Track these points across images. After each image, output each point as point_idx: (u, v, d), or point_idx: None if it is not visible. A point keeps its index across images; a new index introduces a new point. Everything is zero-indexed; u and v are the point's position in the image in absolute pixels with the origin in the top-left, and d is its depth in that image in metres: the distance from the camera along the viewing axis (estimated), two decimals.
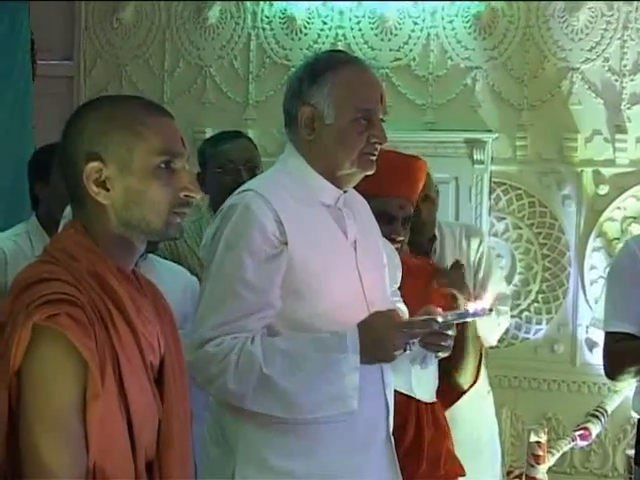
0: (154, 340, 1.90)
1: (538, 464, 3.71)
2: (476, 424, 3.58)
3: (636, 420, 3.18)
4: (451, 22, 5.31)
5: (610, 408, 4.38)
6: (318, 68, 2.47)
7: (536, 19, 5.18)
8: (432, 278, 3.11)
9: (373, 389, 2.44)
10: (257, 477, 2.40)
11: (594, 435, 4.21)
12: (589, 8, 5.09)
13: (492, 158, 5.24)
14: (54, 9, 5.83)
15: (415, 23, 5.37)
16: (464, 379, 3.12)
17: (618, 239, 4.99)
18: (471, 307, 2.46)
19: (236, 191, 2.49)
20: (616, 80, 5.07)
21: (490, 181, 5.24)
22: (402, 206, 3.02)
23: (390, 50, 5.41)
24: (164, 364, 1.93)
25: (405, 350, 2.39)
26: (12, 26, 5.24)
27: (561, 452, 4.05)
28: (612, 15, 5.07)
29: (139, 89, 5.76)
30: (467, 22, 5.28)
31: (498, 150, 5.24)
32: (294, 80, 2.51)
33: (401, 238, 3.02)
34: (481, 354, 3.13)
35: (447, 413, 3.16)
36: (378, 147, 2.47)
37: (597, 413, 4.28)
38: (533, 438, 3.70)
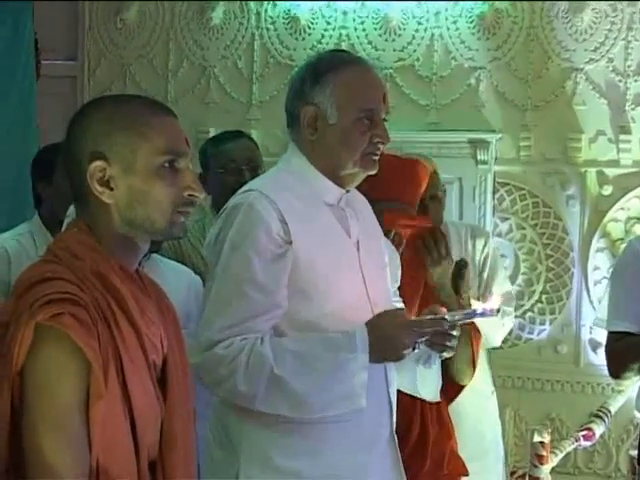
0: (157, 340, 1.90)
1: (541, 464, 3.70)
2: (480, 424, 3.58)
3: (639, 420, 3.18)
4: (455, 22, 5.31)
5: (614, 409, 4.37)
6: (321, 68, 2.47)
7: (540, 19, 5.17)
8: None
9: (377, 388, 2.44)
10: (261, 477, 2.39)
11: (597, 435, 4.20)
12: (593, 9, 5.09)
13: (496, 158, 5.24)
14: (58, 9, 5.83)
15: (419, 23, 5.37)
16: (460, 374, 3.11)
17: (622, 240, 4.99)
18: (479, 307, 2.45)
19: (239, 191, 2.48)
20: (620, 81, 5.06)
21: (494, 181, 5.24)
22: (404, 210, 3.01)
23: (394, 50, 5.41)
24: (167, 364, 1.93)
25: (414, 349, 2.39)
26: (16, 26, 5.26)
27: (564, 452, 4.04)
28: (616, 16, 5.07)
29: (143, 89, 5.76)
30: (471, 22, 5.28)
31: (502, 150, 5.24)
32: (297, 80, 2.51)
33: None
34: (473, 347, 3.11)
35: (451, 413, 3.15)
36: (381, 147, 2.47)
37: (600, 413, 4.27)
38: (536, 438, 3.69)
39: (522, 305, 5.13)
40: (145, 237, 1.91)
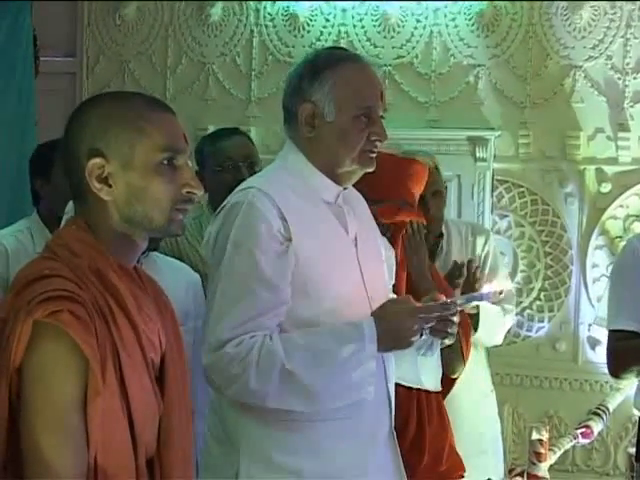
0: (155, 337, 1.90)
1: (540, 462, 3.69)
2: (479, 422, 3.58)
3: (637, 418, 3.18)
4: (454, 20, 5.30)
5: (612, 406, 4.36)
6: (318, 65, 2.47)
7: (539, 17, 5.17)
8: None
9: (376, 385, 2.44)
10: (262, 475, 2.39)
11: (596, 433, 4.19)
12: (592, 6, 5.08)
13: (495, 156, 5.23)
14: (57, 6, 5.82)
15: (418, 21, 5.36)
16: (450, 367, 3.12)
17: (620, 237, 4.98)
18: (484, 290, 2.46)
19: (237, 188, 2.48)
20: (619, 78, 5.06)
21: (492, 179, 5.23)
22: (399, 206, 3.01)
23: (393, 48, 5.40)
24: (165, 361, 1.92)
25: (421, 335, 2.40)
26: (15, 23, 5.26)
27: (563, 450, 4.03)
28: (615, 13, 5.06)
29: (142, 86, 5.76)
30: (470, 20, 5.27)
31: (501, 148, 5.24)
32: (294, 77, 2.51)
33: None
34: (461, 339, 3.11)
35: (450, 411, 3.15)
36: (378, 144, 2.47)
37: (599, 411, 4.26)
38: (535, 436, 3.69)
39: (520, 302, 5.13)
40: (143, 234, 1.90)
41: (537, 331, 5.20)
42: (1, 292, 3.02)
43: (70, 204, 2.04)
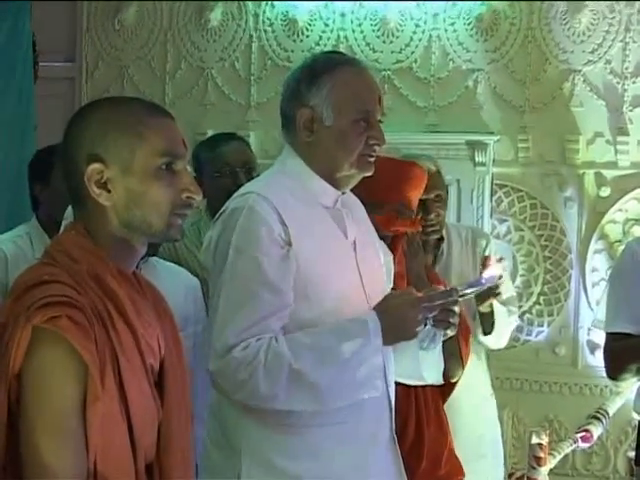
0: (154, 342, 1.90)
1: (539, 466, 3.69)
2: (479, 426, 3.57)
3: (637, 422, 3.18)
4: (453, 24, 5.31)
5: (611, 410, 4.36)
6: (316, 70, 2.47)
7: (538, 21, 5.18)
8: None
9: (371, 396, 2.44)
10: (263, 478, 2.39)
11: (595, 437, 4.19)
12: (591, 10, 5.09)
13: (494, 160, 5.24)
14: (56, 11, 5.83)
15: (417, 25, 5.37)
16: (449, 370, 3.11)
17: (620, 241, 4.99)
18: (484, 275, 2.46)
19: (236, 194, 2.48)
20: (618, 82, 5.07)
21: (492, 183, 5.24)
22: (399, 212, 3.01)
23: (392, 52, 5.41)
24: (164, 366, 1.92)
25: (425, 325, 2.40)
26: (14, 28, 5.25)
27: (562, 454, 4.03)
28: (614, 17, 5.07)
29: (141, 91, 5.77)
30: (469, 24, 5.28)
31: (500, 152, 5.24)
32: (292, 82, 2.51)
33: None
34: (459, 342, 3.11)
35: (450, 415, 3.15)
36: (377, 148, 2.47)
37: (598, 415, 4.26)
38: (534, 440, 3.69)
39: (520, 307, 5.12)
40: (142, 239, 1.90)
41: (537, 335, 5.20)
42: (0, 297, 3.02)
43: (69, 209, 2.03)
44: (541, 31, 5.17)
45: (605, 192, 5.08)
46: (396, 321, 2.36)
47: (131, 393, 1.79)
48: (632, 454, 3.40)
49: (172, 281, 2.99)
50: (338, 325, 2.36)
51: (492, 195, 5.24)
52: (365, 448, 2.44)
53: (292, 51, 5.54)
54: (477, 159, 5.20)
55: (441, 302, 2.39)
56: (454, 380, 3.18)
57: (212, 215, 2.99)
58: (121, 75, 5.90)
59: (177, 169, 1.88)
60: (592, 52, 5.10)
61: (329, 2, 5.47)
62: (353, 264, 2.49)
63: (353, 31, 5.47)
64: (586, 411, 4.48)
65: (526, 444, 3.94)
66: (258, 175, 2.93)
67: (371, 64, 5.11)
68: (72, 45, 5.99)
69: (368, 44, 5.44)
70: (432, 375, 2.85)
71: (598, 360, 4.86)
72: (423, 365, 2.74)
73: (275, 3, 5.58)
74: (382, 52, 5.42)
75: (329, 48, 5.36)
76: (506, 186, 5.25)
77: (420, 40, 5.37)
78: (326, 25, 5.51)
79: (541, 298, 5.20)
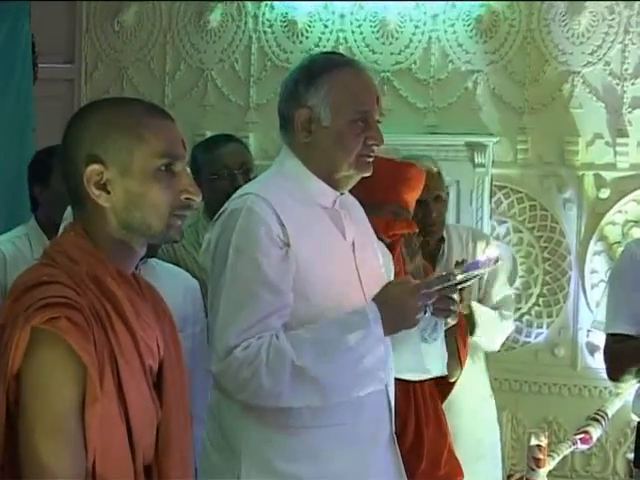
0: (153, 344, 1.90)
1: (538, 468, 3.68)
2: (478, 427, 3.58)
3: (636, 424, 3.18)
4: (452, 25, 5.31)
5: (611, 412, 4.36)
6: (314, 70, 2.47)
7: (537, 23, 5.18)
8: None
9: (375, 389, 2.44)
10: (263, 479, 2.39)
11: (595, 439, 4.19)
12: (590, 12, 5.09)
13: (493, 161, 5.23)
14: (55, 12, 5.83)
15: (416, 27, 5.37)
16: (447, 369, 3.12)
17: (619, 243, 4.98)
18: (480, 258, 2.46)
19: (234, 195, 2.48)
20: (617, 84, 5.06)
21: (491, 184, 5.23)
22: (397, 213, 3.01)
23: (391, 54, 5.41)
24: (163, 367, 1.92)
25: (425, 313, 2.40)
26: (13, 29, 5.25)
27: (562, 456, 4.02)
28: (613, 19, 5.07)
29: (140, 92, 5.76)
30: (468, 25, 5.28)
31: (499, 153, 5.24)
32: (290, 83, 2.52)
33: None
34: (457, 340, 3.11)
35: (450, 416, 3.15)
36: (375, 149, 2.48)
37: (598, 417, 4.26)
38: (534, 442, 3.68)
39: (519, 308, 5.13)
40: (142, 240, 1.90)
41: (536, 337, 5.19)
42: None
43: (68, 210, 2.03)
44: (540, 32, 5.17)
45: (604, 194, 5.07)
46: (396, 310, 2.36)
47: (130, 394, 1.79)
48: (631, 456, 3.39)
49: (171, 282, 2.99)
50: (338, 319, 2.36)
51: (491, 196, 5.24)
52: (365, 449, 2.44)
53: (291, 52, 5.53)
54: (476, 160, 5.20)
55: (439, 287, 2.39)
56: (453, 380, 3.19)
57: (210, 217, 2.99)
58: (120, 76, 5.90)
59: (176, 170, 1.88)
60: (591, 54, 5.10)
61: (328, 3, 5.47)
62: (352, 264, 2.49)
63: (352, 32, 5.46)
64: (585, 413, 4.48)
65: (525, 445, 3.93)
66: (256, 176, 2.93)
67: (370, 65, 5.11)
68: (71, 46, 5.99)
69: (367, 45, 5.44)
70: (436, 366, 2.84)
71: (597, 362, 4.86)
72: (427, 357, 2.74)
73: (275, 4, 5.58)
74: (381, 53, 5.42)
75: (328, 49, 5.34)
76: (505, 187, 5.25)
77: (419, 41, 5.36)
78: (325, 26, 5.50)
79: (540, 299, 5.19)
